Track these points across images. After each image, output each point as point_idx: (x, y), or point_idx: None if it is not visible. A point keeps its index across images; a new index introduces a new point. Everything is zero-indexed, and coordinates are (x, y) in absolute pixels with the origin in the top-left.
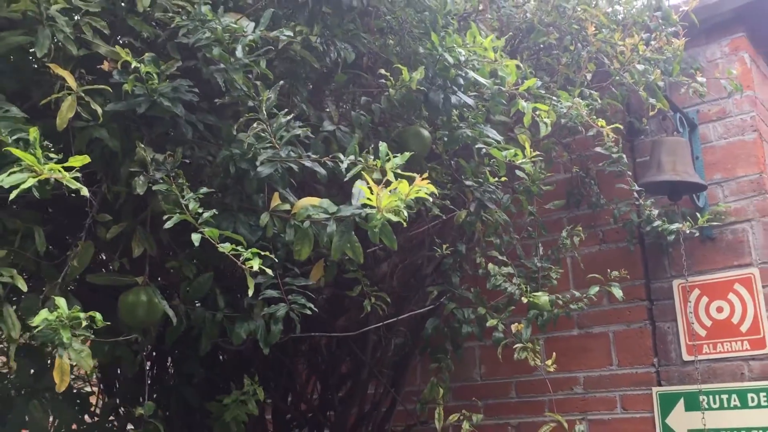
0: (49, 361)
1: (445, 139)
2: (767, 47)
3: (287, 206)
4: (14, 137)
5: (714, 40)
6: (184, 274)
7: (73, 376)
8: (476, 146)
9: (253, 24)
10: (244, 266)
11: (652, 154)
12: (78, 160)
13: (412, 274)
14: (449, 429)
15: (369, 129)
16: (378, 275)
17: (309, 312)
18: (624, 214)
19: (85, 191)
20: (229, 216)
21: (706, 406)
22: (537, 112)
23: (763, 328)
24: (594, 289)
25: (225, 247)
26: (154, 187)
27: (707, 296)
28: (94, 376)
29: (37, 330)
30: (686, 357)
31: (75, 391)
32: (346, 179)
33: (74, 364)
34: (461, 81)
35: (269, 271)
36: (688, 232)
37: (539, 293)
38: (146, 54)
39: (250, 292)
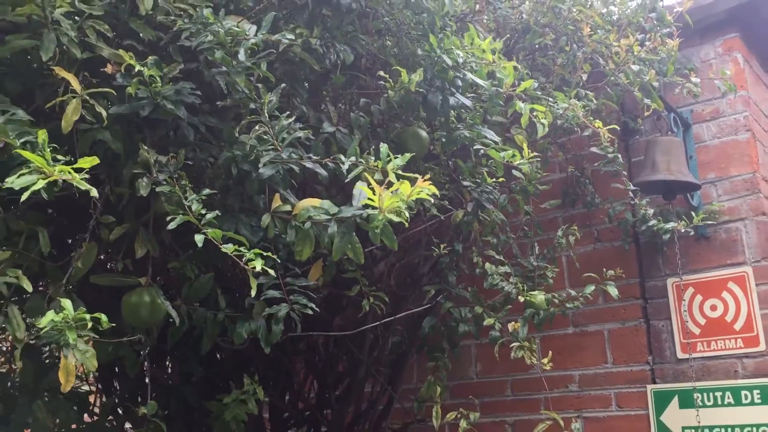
0: (47, 360)
1: (444, 140)
2: (760, 47)
3: (288, 207)
4: (22, 140)
5: (708, 40)
6: (185, 275)
7: None
8: (474, 147)
9: (254, 27)
10: (246, 267)
11: (646, 154)
12: (87, 162)
13: (409, 274)
14: (446, 427)
15: (368, 130)
16: (375, 274)
17: (311, 312)
18: (619, 214)
19: (94, 192)
20: (231, 217)
21: (700, 404)
22: (534, 113)
23: (756, 326)
24: (590, 288)
25: (228, 248)
26: (158, 189)
27: (701, 295)
28: (91, 376)
29: (43, 331)
30: (680, 355)
31: (74, 390)
32: (347, 180)
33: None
34: (459, 82)
35: (271, 272)
36: (683, 231)
37: (536, 292)
38: (149, 57)
39: (253, 293)
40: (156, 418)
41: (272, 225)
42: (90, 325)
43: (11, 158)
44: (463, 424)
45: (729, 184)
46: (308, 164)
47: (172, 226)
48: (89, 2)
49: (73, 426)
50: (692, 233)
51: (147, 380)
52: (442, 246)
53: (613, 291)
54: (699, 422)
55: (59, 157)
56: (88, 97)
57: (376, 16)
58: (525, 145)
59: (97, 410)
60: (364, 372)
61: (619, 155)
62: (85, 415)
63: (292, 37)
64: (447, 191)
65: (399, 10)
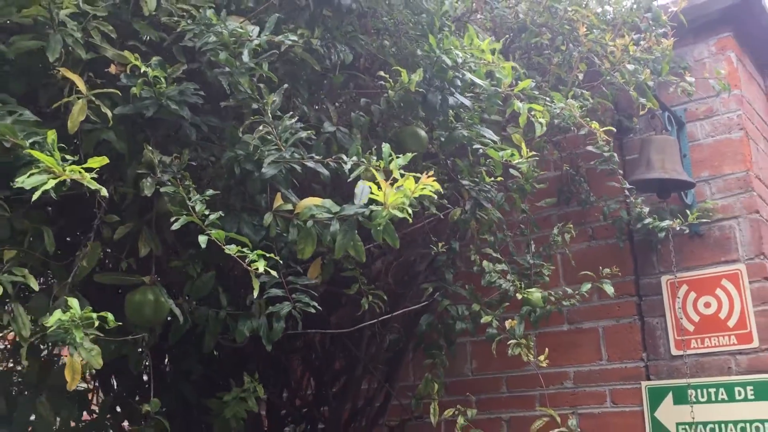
0: (44, 358)
1: (443, 139)
2: (753, 47)
3: (290, 206)
4: (30, 140)
5: (702, 39)
6: (187, 273)
7: None
8: (473, 146)
9: (257, 28)
10: (249, 268)
11: (641, 152)
12: (97, 161)
13: (406, 271)
14: (442, 424)
15: (368, 130)
16: (373, 272)
17: (313, 310)
18: (613, 212)
19: (104, 192)
20: (233, 216)
21: (694, 400)
22: (532, 113)
23: (749, 323)
24: (586, 286)
25: (231, 250)
26: (162, 189)
27: (695, 292)
28: (88, 374)
29: (50, 330)
30: (675, 352)
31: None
32: (349, 180)
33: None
34: (458, 82)
35: (273, 272)
36: (677, 228)
37: (532, 290)
38: (153, 58)
39: (256, 293)
40: (159, 415)
41: (274, 224)
42: (96, 323)
43: (17, 158)
44: (460, 420)
45: (722, 183)
46: (310, 164)
47: (176, 226)
48: (93, 3)
49: (73, 424)
50: (686, 231)
51: (147, 378)
52: (439, 244)
53: (609, 289)
54: (693, 418)
55: (68, 157)
56: (93, 98)
57: (375, 16)
58: (523, 144)
59: (95, 408)
60: (361, 369)
61: (614, 154)
62: (84, 413)
63: (295, 38)
64: (446, 190)
65: (398, 10)
